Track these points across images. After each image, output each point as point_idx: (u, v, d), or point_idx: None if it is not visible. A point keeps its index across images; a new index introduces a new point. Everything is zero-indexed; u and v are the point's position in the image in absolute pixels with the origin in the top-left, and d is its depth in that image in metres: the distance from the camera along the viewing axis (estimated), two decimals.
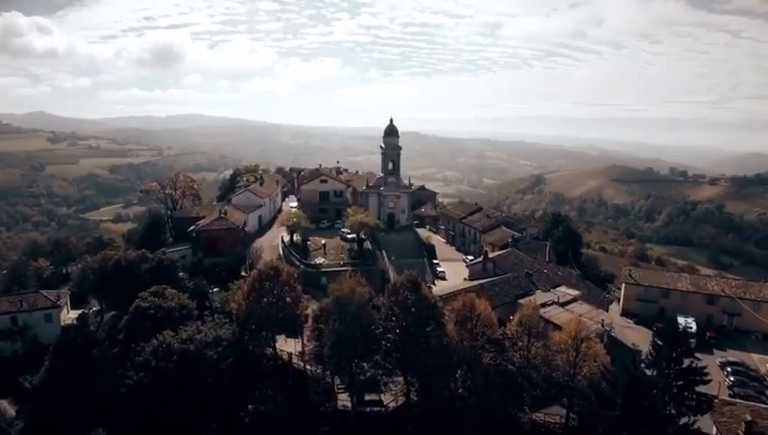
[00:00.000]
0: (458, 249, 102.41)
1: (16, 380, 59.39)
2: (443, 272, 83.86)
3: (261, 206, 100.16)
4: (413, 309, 43.54)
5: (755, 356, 59.83)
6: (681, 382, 35.34)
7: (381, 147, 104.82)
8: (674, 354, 35.35)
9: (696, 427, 35.57)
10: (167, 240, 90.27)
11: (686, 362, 36.79)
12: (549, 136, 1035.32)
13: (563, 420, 44.43)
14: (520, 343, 45.00)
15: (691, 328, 64.28)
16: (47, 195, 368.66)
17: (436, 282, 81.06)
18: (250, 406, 43.93)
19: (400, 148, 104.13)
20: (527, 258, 71.59)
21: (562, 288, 63.71)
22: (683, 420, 35.82)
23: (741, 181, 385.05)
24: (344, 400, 47.47)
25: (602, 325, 53.01)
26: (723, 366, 55.37)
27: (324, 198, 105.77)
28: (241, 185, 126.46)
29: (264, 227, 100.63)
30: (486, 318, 43.32)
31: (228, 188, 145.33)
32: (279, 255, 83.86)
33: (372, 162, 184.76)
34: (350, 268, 74.56)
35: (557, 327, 50.42)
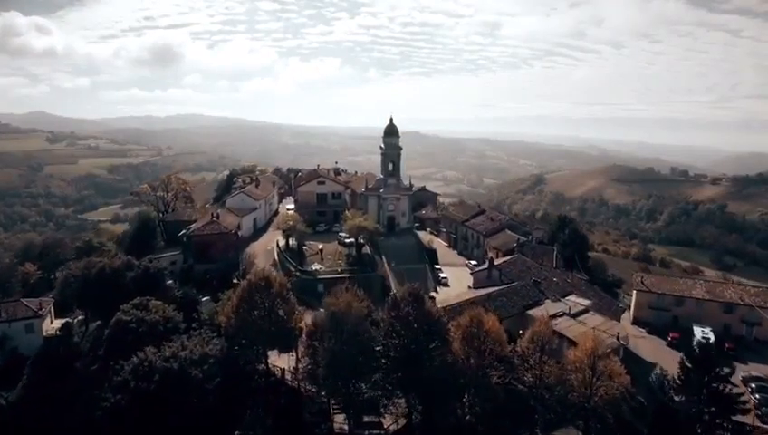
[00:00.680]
0: (461, 253, 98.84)
1: None
2: (445, 278, 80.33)
3: (256, 208, 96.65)
4: (415, 325, 39.98)
5: None
6: (714, 410, 31.87)
7: (381, 147, 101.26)
8: (706, 378, 31.84)
9: None
10: (158, 245, 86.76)
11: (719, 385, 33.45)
12: (549, 135, 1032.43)
13: None
14: (531, 361, 41.45)
15: (708, 339, 60.79)
16: (45, 195, 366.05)
17: (438, 289, 77.54)
18: (237, 433, 40.37)
19: (401, 148, 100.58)
20: (534, 265, 68.07)
21: (573, 297, 60.20)
22: None
23: (743, 181, 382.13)
24: (341, 422, 43.96)
25: (618, 339, 49.47)
26: (746, 382, 51.85)
27: (322, 200, 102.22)
28: (237, 186, 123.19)
29: (259, 231, 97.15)
30: (495, 335, 39.80)
31: (225, 190, 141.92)
32: (274, 260, 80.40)
33: (372, 162, 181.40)
34: (347, 275, 71.42)
35: (570, 342, 47.02)
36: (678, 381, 33.79)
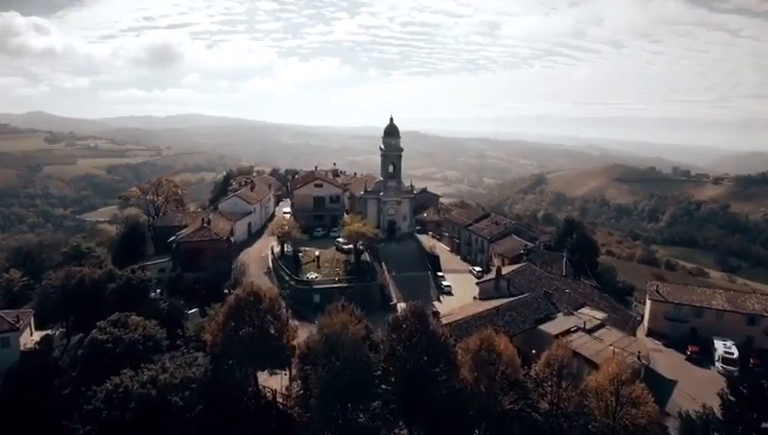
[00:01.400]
0: (464, 259, 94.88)
1: None
2: (449, 287, 76.30)
3: (250, 213, 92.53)
4: (419, 348, 35.94)
5: None
6: None
7: (381, 148, 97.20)
8: (755, 415, 27.86)
9: None
10: (147, 251, 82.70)
11: None
12: (549, 135, 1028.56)
13: None
14: (547, 386, 37.46)
15: (732, 354, 56.94)
16: (43, 195, 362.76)
17: (441, 298, 73.62)
18: None
19: (401, 149, 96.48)
20: (544, 274, 64.03)
21: (586, 310, 56.18)
22: None
23: (745, 181, 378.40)
24: None
25: (639, 358, 45.45)
26: None
27: (319, 203, 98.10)
28: (232, 188, 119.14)
29: (254, 236, 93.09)
30: (508, 359, 35.77)
31: (221, 191, 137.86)
32: (268, 268, 76.41)
33: (373, 162, 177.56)
34: (345, 285, 67.46)
35: (587, 361, 43.05)
36: (723, 419, 29.74)
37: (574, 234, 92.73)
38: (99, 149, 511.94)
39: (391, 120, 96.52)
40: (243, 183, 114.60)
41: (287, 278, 69.33)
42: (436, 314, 48.15)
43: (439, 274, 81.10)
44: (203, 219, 75.73)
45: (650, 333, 65.58)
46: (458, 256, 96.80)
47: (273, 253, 78.80)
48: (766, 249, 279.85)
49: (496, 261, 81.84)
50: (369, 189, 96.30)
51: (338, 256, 77.56)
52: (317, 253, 76.40)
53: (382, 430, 36.26)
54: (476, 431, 34.84)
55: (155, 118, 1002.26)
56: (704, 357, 59.08)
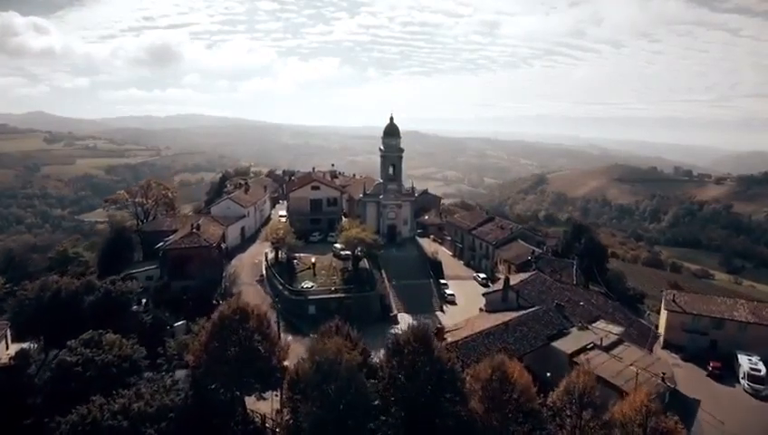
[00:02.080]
0: (467, 264, 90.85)
1: None
2: (452, 295, 72.31)
3: (244, 216, 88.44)
4: (422, 376, 31.87)
5: None
6: None
7: (381, 149, 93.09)
8: None
9: None
10: (134, 258, 78.59)
11: None
12: (549, 135, 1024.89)
13: None
14: (566, 417, 33.40)
15: (759, 371, 52.88)
16: (42, 196, 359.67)
17: (445, 308, 69.65)
18: None
19: (402, 150, 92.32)
20: (555, 284, 59.97)
21: (602, 323, 52.18)
22: None
23: (747, 180, 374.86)
24: None
25: (663, 380, 41.38)
26: None
27: (316, 207, 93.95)
28: (227, 190, 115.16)
29: (248, 240, 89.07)
30: (523, 387, 31.75)
31: (216, 193, 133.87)
32: (261, 276, 72.36)
33: (373, 162, 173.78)
34: (342, 295, 63.50)
35: (606, 383, 39.04)
36: None
37: (582, 238, 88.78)
38: (98, 150, 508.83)
39: (391, 119, 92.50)
40: (238, 185, 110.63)
41: (281, 288, 65.27)
42: (440, 331, 44.11)
43: (442, 281, 77.04)
44: (192, 225, 71.62)
45: (667, 346, 61.60)
46: (461, 262, 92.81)
47: (266, 259, 74.75)
48: None
49: (502, 268, 77.92)
50: (368, 192, 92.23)
51: (335, 262, 73.46)
52: (313, 260, 72.32)
53: None
54: None
55: (155, 118, 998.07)
56: (727, 373, 55.17)
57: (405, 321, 64.59)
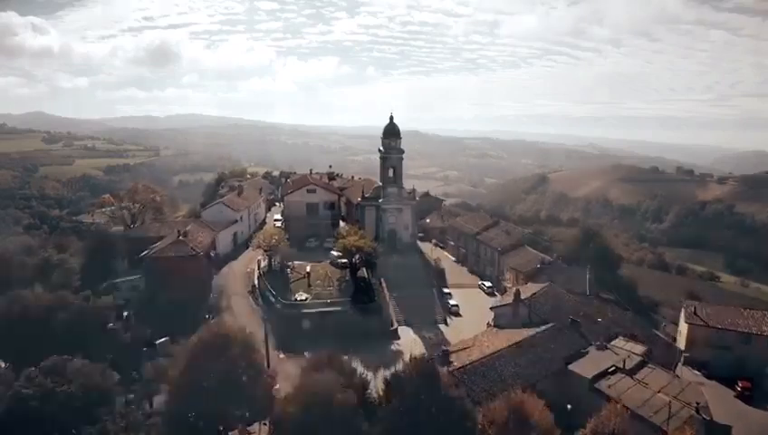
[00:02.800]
0: (471, 271, 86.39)
1: None
2: (456, 307, 67.97)
3: (236, 221, 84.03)
4: (427, 417, 27.48)
5: None
6: None
7: (380, 150, 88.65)
8: None
9: None
10: (119, 266, 74.11)
11: None
12: (549, 134, 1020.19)
13: None
14: None
15: None
16: (39, 197, 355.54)
17: (449, 320, 65.34)
18: None
19: (402, 151, 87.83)
20: (570, 297, 55.53)
21: (621, 341, 47.85)
22: None
23: (750, 180, 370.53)
24: None
25: (698, 411, 37.01)
26: None
27: (312, 211, 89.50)
28: (221, 193, 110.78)
29: (240, 246, 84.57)
30: (544, 428, 27.39)
31: (210, 196, 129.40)
32: (253, 286, 67.93)
33: (373, 162, 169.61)
34: (339, 308, 59.16)
35: (634, 415, 34.70)
36: None
37: (591, 244, 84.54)
38: (96, 150, 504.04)
39: (391, 119, 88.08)
40: (232, 187, 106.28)
41: (273, 300, 60.88)
42: (446, 355, 39.61)
43: (445, 290, 72.72)
44: (179, 231, 67.19)
45: (688, 362, 57.19)
46: (465, 268, 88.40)
47: (259, 268, 70.37)
48: None
49: (509, 275, 73.61)
50: (367, 196, 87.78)
51: (332, 271, 69.04)
52: (308, 268, 67.88)
53: None
54: None
55: (155, 118, 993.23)
56: (757, 394, 50.77)
57: (406, 335, 60.76)
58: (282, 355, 51.93)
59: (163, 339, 52.80)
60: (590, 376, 39.85)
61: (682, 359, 57.42)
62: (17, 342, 47.61)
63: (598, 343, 46.04)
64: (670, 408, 34.68)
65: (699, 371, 55.55)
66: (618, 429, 27.91)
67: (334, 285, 64.79)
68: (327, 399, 26.09)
